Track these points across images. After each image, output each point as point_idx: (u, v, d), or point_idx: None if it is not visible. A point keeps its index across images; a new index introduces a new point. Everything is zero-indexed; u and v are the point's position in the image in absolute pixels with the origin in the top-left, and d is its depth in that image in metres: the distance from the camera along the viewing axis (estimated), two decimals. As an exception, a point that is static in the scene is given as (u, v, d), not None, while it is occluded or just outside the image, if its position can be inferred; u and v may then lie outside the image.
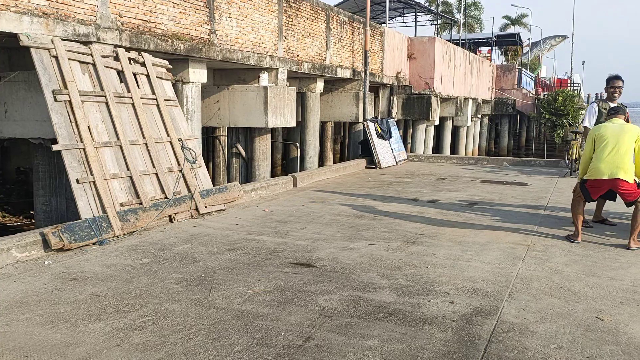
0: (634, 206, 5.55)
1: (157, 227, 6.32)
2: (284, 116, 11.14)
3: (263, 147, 11.42)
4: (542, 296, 4.15)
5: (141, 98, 7.00)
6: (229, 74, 11.24)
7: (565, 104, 27.71)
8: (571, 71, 46.66)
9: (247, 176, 11.65)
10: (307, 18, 12.39)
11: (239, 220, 6.81)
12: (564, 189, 9.63)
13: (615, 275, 4.68)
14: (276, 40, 11.12)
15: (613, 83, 6.80)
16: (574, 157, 11.61)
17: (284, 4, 11.35)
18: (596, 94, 35.95)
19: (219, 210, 7.25)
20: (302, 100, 13.66)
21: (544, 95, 33.68)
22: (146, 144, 6.76)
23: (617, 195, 5.88)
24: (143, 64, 7.33)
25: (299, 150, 14.08)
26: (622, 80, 6.85)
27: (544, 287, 4.36)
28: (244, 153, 11.66)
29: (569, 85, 41.24)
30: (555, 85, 44.43)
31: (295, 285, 4.36)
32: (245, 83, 11.08)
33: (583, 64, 65.62)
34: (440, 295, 4.16)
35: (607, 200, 6.46)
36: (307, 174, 10.54)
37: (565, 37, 53.15)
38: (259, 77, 11.01)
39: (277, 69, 11.16)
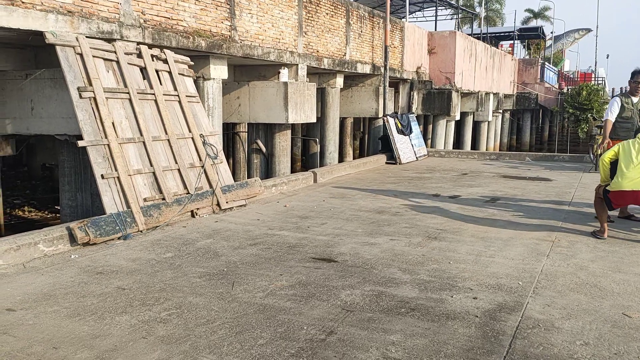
0: None
1: (180, 222, 6.39)
2: (304, 112, 11.15)
3: (283, 142, 11.45)
4: (568, 292, 4.09)
5: (163, 94, 7.07)
6: (249, 70, 11.29)
7: (590, 98, 27.22)
8: (595, 65, 45.83)
9: (268, 172, 11.71)
10: (327, 13, 12.37)
11: (260, 216, 6.84)
12: (588, 184, 9.47)
13: (643, 271, 4.59)
14: (296, 36, 11.13)
15: (637, 77, 6.64)
16: (598, 152, 11.39)
17: (305, 0, 11.34)
18: (620, 88, 35.22)
19: (240, 206, 7.30)
20: (321, 96, 13.66)
21: (568, 89, 33.11)
22: (168, 140, 6.83)
23: None
24: (165, 61, 7.41)
25: (318, 146, 14.09)
26: None
27: (570, 283, 4.30)
28: (264, 149, 11.71)
29: (593, 79, 40.48)
30: (579, 79, 43.65)
31: (316, 280, 4.37)
32: (266, 79, 11.12)
33: (607, 58, 64.55)
34: (463, 291, 4.13)
35: None
36: (327, 170, 10.55)
37: (589, 30, 52.13)
38: (279, 73, 11.03)
39: (297, 64, 11.17)
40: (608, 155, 5.73)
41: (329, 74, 13.42)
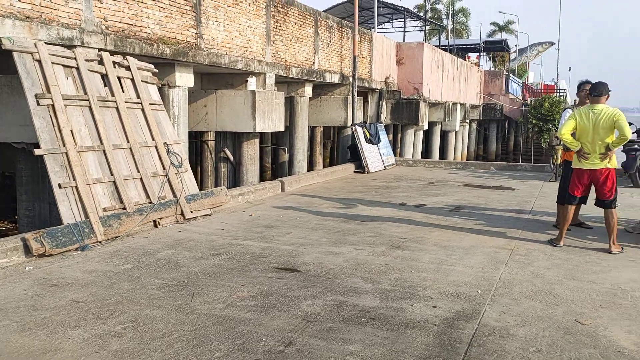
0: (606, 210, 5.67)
1: (141, 233, 6.28)
2: (272, 121, 11.13)
3: (251, 151, 11.40)
4: (524, 300, 4.17)
5: (125, 102, 6.96)
6: (216, 78, 11.22)
7: (552, 109, 27.97)
8: (557, 77, 47.15)
9: (235, 181, 11.62)
10: (295, 23, 12.41)
11: (224, 225, 6.78)
12: (548, 193, 9.70)
13: (596, 279, 4.71)
14: (264, 44, 11.12)
15: (584, 86, 6.76)
16: (558, 162, 11.69)
17: (272, 9, 11.36)
18: (574, 100, 36.27)
19: (205, 215, 7.22)
20: (290, 105, 13.66)
21: (531, 100, 33.96)
22: (130, 149, 6.72)
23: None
24: (128, 68, 7.30)
25: (287, 154, 14.08)
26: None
27: (526, 290, 4.39)
28: (231, 157, 11.63)
29: (555, 91, 41.63)
30: (542, 91, 44.84)
31: (278, 290, 4.35)
32: (233, 87, 11.06)
33: (569, 70, 66.57)
34: (424, 300, 4.16)
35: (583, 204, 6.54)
36: (295, 179, 10.54)
37: (552, 43, 53.64)
38: (247, 81, 11.00)
39: (265, 73, 11.16)
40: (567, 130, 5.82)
41: (297, 83, 13.44)
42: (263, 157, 16.11)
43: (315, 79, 13.49)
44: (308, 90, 13.70)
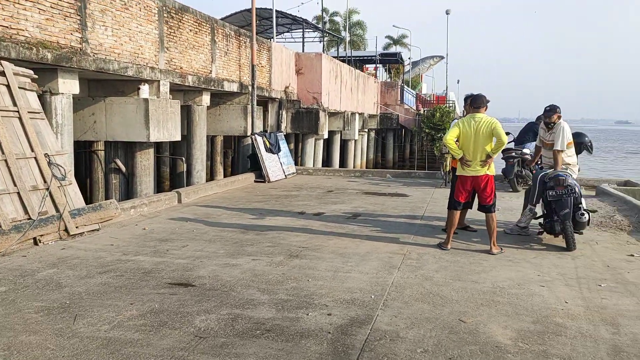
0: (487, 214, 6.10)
1: (19, 252, 5.76)
2: (167, 130, 10.76)
3: (145, 162, 10.93)
4: (414, 302, 4.35)
5: (0, 110, 6.38)
6: (105, 85, 10.65)
7: (442, 119, 29.73)
8: (446, 89, 50.33)
9: (128, 193, 11.07)
10: (191, 30, 12.13)
11: (114, 241, 6.41)
12: (439, 199, 10.26)
13: (478, 278, 5.04)
14: (157, 51, 10.75)
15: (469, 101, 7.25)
16: (448, 169, 12.41)
17: (165, 15, 11.02)
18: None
19: (93, 231, 6.79)
20: (188, 114, 13.30)
21: (424, 110, 35.87)
22: (6, 160, 6.16)
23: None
24: (2, 73, 6.70)
25: (185, 164, 13.67)
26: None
27: (416, 293, 4.58)
28: (123, 168, 11.07)
29: (445, 102, 44.33)
30: (434, 101, 47.56)
31: (170, 307, 4.18)
32: (124, 95, 10.56)
33: (458, 83, 71.17)
34: (319, 308, 4.20)
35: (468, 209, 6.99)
36: (193, 189, 10.25)
37: (442, 57, 57.16)
38: (139, 89, 10.55)
39: (159, 81, 10.78)
40: (451, 137, 6.19)
41: (194, 92, 13.13)
42: (160, 168, 15.51)
43: (213, 88, 13.27)
44: (206, 98, 13.43)
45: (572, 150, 6.93)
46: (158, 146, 14.19)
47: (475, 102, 6.20)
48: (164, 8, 10.93)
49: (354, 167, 26.33)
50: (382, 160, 35.41)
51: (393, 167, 33.99)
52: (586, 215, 6.42)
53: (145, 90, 10.60)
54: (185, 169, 13.66)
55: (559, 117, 6.81)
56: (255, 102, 14.62)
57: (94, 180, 11.58)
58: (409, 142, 41.32)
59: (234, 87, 14.44)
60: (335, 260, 5.65)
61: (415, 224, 7.86)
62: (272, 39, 20.52)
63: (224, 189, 11.39)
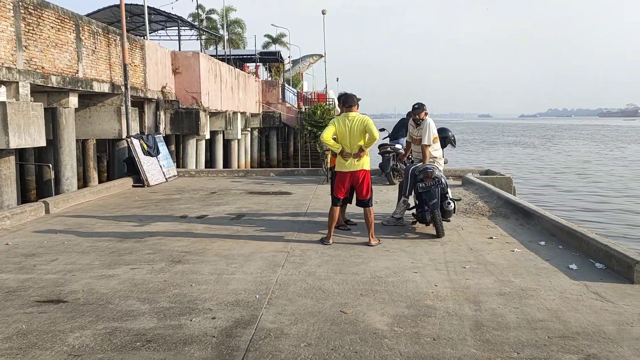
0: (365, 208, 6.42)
1: None
2: (29, 135, 9.89)
3: (5, 170, 9.96)
4: (297, 298, 4.45)
5: None
6: (-48, 87, 9.54)
7: (323, 116, 30.49)
8: (326, 87, 51.69)
9: (-13, 206, 10.01)
10: (52, 27, 11.25)
11: (-30, 260, 5.78)
12: (321, 195, 10.56)
13: (358, 270, 5.29)
14: (14, 50, 9.83)
15: (342, 101, 7.51)
16: (328, 166, 12.78)
17: (22, 11, 10.11)
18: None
19: (-57, 250, 6.06)
20: (53, 117, 12.33)
21: (305, 108, 36.55)
22: None
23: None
24: None
25: (53, 171, 12.66)
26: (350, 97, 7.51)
27: (299, 289, 4.69)
28: (-20, 179, 9.99)
29: (325, 99, 45.55)
30: (315, 99, 48.64)
31: (40, 327, 3.88)
32: (-23, 98, 9.53)
33: (337, 81, 73.49)
34: (203, 313, 4.15)
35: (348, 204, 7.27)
36: (63, 198, 9.54)
37: (321, 55, 58.57)
38: (-5, 91, 9.59)
39: (18, 82, 9.87)
40: (329, 135, 6.40)
41: (59, 93, 12.20)
42: (25, 176, 14.23)
43: (81, 89, 12.42)
44: (73, 100, 12.53)
45: (438, 144, 7.51)
46: (21, 153, 13.01)
47: (346, 102, 6.49)
48: (21, 3, 10.02)
49: (238, 167, 26.14)
50: (266, 159, 35.52)
51: (277, 165, 34.25)
52: (452, 204, 6.99)
53: (2, 93, 9.65)
54: (53, 177, 12.65)
55: (426, 114, 7.36)
56: (129, 103, 13.93)
57: (-57, 194, 10.32)
58: (293, 140, 41.91)
59: (105, 88, 13.64)
60: (219, 263, 5.60)
61: (298, 221, 8.01)
62: (145, 37, 19.68)
63: (98, 195, 10.74)
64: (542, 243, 6.37)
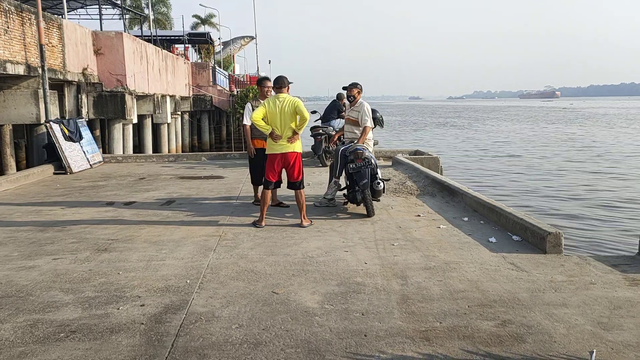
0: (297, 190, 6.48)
1: None
2: None
3: None
4: (229, 281, 4.44)
5: None
6: None
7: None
8: (257, 70, 51.06)
9: None
10: (-43, 3, 10.38)
11: None
12: (254, 178, 10.48)
13: (290, 251, 5.34)
14: None
15: (263, 83, 7.44)
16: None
17: None
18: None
19: None
20: (-38, 101, 11.45)
21: (237, 91, 35.98)
22: None
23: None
24: None
25: (-36, 160, 11.80)
26: (270, 80, 7.43)
27: (231, 272, 4.68)
28: None
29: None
30: (247, 82, 47.96)
31: (-48, 324, 3.65)
32: None
33: (269, 63, 72.41)
34: (131, 300, 4.06)
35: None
36: (-24, 188, 8.93)
37: (252, 37, 57.63)
38: None
39: None
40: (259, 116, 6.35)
41: (-32, 75, 11.33)
42: None
43: (-7, 70, 11.59)
44: (-15, 83, 11.69)
45: (368, 125, 7.65)
46: None
47: (277, 83, 6.50)
48: None
49: (168, 152, 25.41)
50: (198, 143, 34.74)
51: (210, 149, 33.59)
52: (382, 184, 7.17)
53: None
54: (-36, 165, 11.79)
55: (359, 93, 7.50)
56: (47, 86, 13.17)
57: None
58: (225, 124, 41.19)
59: (20, 70, 12.80)
60: (149, 250, 5.48)
61: (231, 204, 7.95)
62: (62, 16, 18.57)
63: (16, 184, 10.14)
64: (466, 219, 6.69)
